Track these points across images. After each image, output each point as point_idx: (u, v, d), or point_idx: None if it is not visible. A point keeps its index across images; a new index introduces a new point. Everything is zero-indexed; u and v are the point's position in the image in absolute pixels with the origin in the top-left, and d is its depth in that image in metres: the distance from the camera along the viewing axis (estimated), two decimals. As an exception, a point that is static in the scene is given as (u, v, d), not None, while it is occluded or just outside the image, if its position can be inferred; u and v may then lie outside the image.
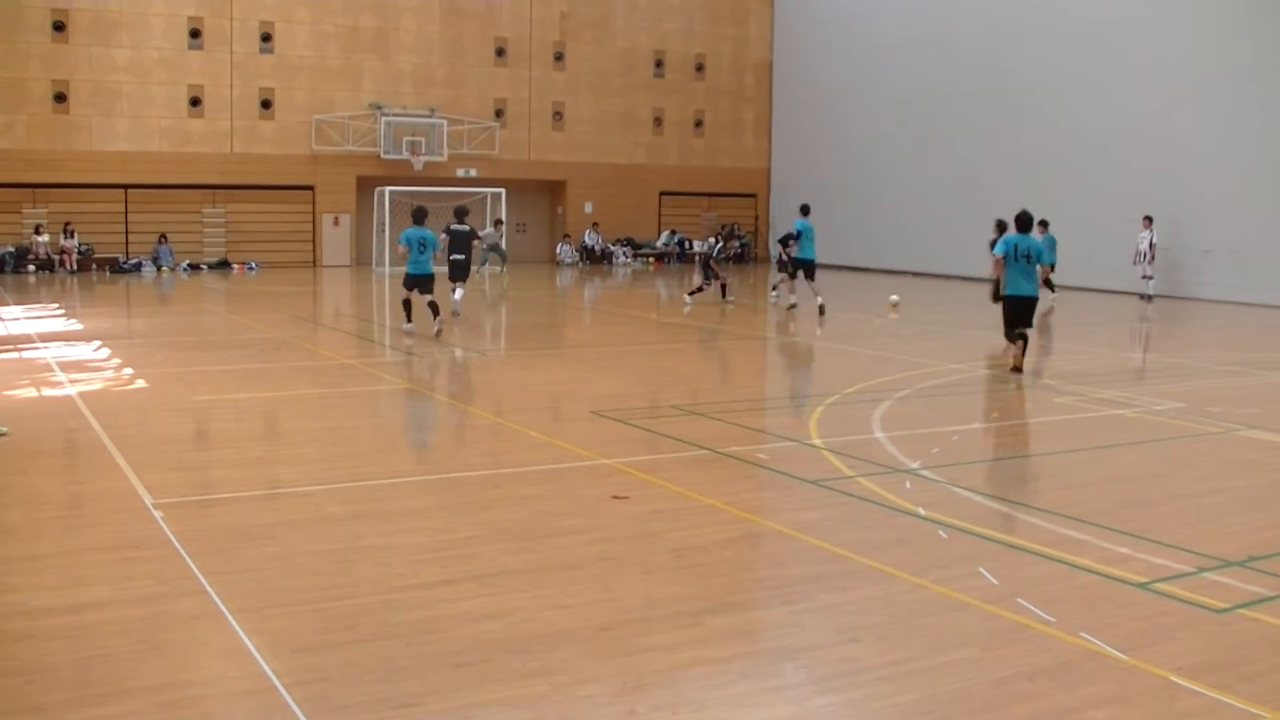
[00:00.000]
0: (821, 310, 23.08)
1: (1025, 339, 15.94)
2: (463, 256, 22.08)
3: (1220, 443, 11.56)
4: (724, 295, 25.55)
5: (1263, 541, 7.99)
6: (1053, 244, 26.07)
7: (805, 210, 25.01)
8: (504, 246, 35.61)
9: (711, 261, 25.32)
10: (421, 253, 19.25)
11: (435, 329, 18.90)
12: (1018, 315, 15.88)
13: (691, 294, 24.91)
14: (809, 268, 24.13)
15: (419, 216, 19.74)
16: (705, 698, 5.37)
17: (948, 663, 5.78)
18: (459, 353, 17.88)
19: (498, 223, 35.88)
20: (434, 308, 18.99)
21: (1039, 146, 32.36)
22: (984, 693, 5.44)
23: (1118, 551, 7.64)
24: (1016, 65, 33.06)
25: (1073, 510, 8.63)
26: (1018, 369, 15.67)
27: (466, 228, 22.57)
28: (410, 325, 19.66)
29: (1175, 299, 28.32)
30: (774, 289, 26.93)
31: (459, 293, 22.14)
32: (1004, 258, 15.85)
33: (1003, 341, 16.45)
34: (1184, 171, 28.58)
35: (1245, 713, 5.26)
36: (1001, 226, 21.44)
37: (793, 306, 24.36)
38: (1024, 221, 16.03)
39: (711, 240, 26.26)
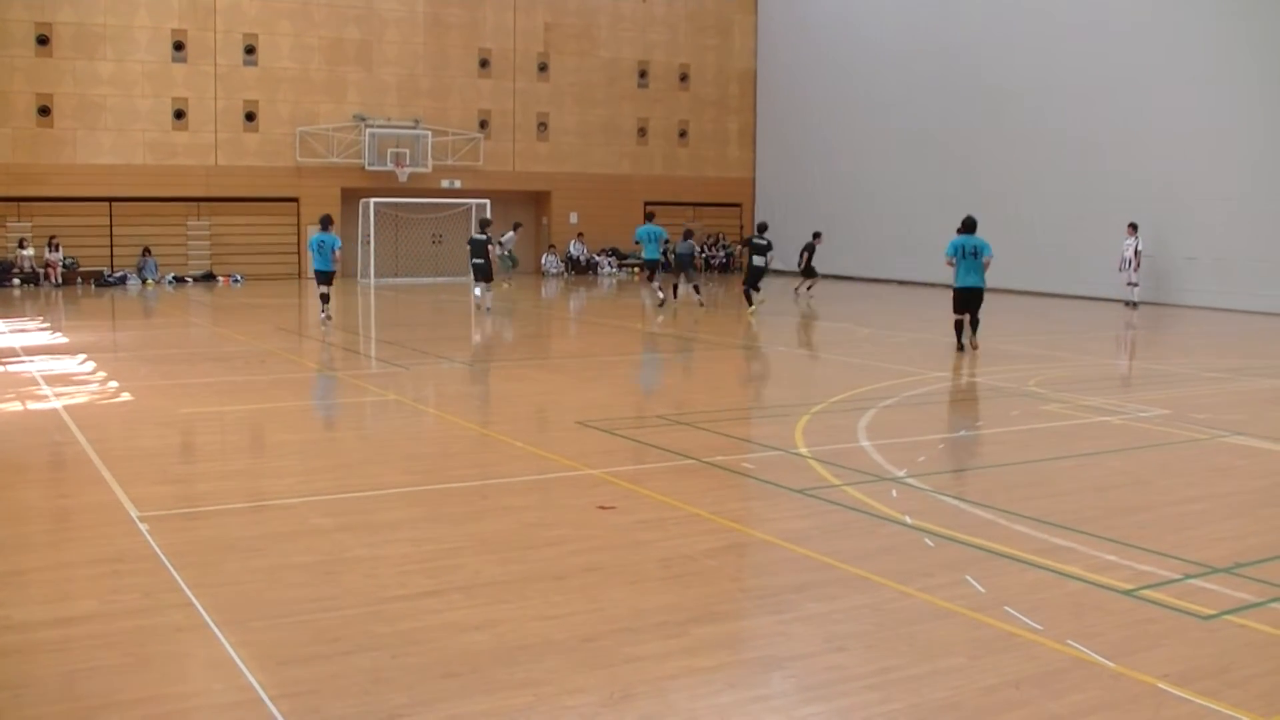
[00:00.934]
0: (662, 304, 27.51)
1: (976, 322, 18.91)
2: (482, 260, 25.83)
3: (1206, 449, 11.59)
4: (675, 294, 28.33)
5: (1249, 548, 8.01)
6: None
7: (649, 216, 29.81)
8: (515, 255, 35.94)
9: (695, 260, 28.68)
10: (321, 253, 23.04)
11: (322, 315, 23.29)
12: (964, 303, 18.84)
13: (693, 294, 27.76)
14: (653, 267, 28.37)
15: (324, 223, 23.66)
16: (692, 707, 5.36)
17: (935, 671, 5.79)
18: (445, 364, 17.88)
19: (516, 226, 36.01)
20: (324, 298, 23.38)
21: (1024, 154, 32.49)
22: (971, 701, 5.45)
23: (1104, 559, 7.66)
24: (1002, 73, 33.19)
25: (1059, 518, 8.65)
26: (962, 348, 18.88)
27: (484, 236, 26.22)
28: (325, 315, 23.37)
29: (1161, 306, 28.44)
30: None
31: (478, 290, 25.97)
32: (953, 258, 18.82)
33: (951, 337, 19.44)
34: (1169, 179, 28.70)
35: (1232, 719, 5.28)
36: (762, 227, 26.68)
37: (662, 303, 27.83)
38: (970, 224, 18.99)
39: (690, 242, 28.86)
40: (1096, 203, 30.21)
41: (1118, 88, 29.92)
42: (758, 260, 25.67)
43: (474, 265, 25.95)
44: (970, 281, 18.66)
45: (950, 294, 19.26)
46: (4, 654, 5.94)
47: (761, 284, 26.29)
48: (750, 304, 25.67)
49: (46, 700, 5.38)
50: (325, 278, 23.19)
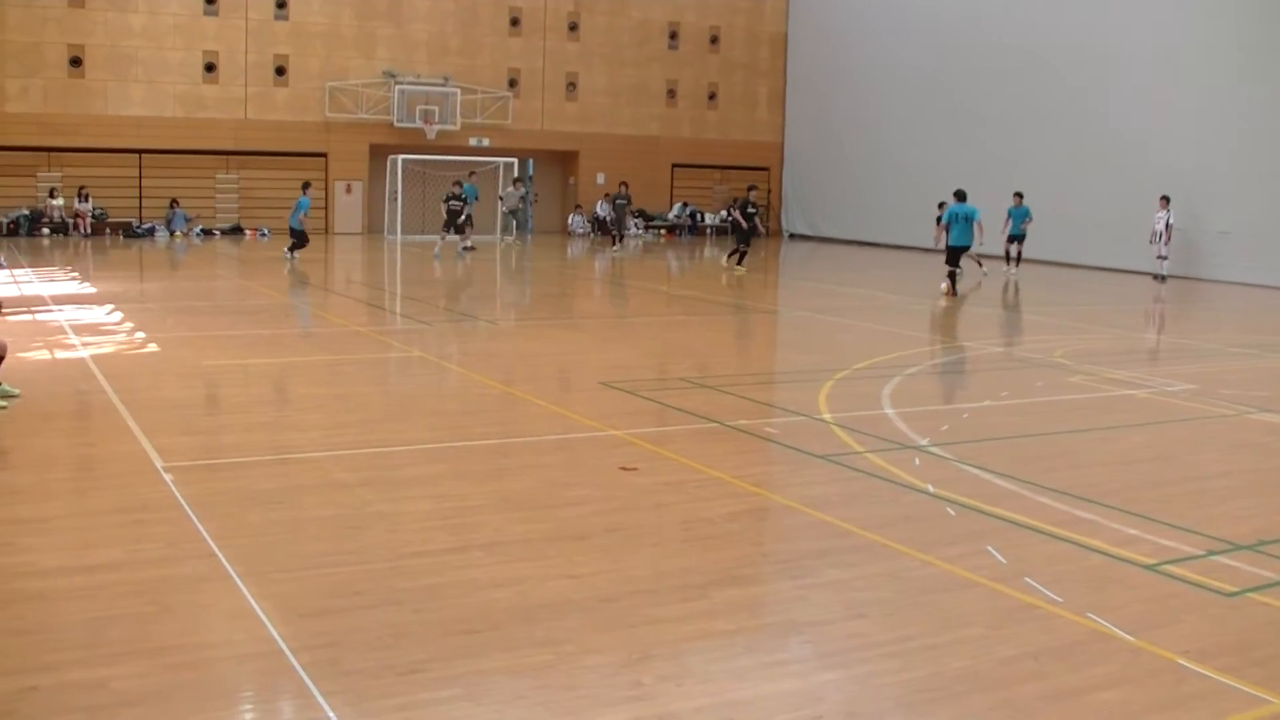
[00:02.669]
0: (464, 249, 30.68)
1: (955, 274, 23.07)
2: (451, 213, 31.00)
3: (1232, 425, 11.52)
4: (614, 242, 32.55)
5: (1273, 525, 7.96)
6: (1027, 214, 28.92)
7: (471, 174, 33.23)
8: (524, 211, 35.77)
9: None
10: (299, 211, 27.58)
11: (286, 254, 27.43)
12: (954, 257, 23.12)
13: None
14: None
15: (304, 187, 29.10)
16: (710, 670, 5.37)
17: (954, 640, 5.78)
18: (470, 322, 17.88)
19: (516, 181, 35.79)
20: (294, 249, 27.44)
21: (1056, 125, 32.17)
22: (990, 671, 5.44)
23: (1127, 533, 7.63)
24: (1035, 42, 32.82)
25: (1082, 490, 8.61)
26: (955, 293, 22.73)
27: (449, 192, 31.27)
28: (291, 256, 27.14)
29: (1190, 280, 28.20)
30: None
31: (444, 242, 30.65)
32: (949, 222, 23.12)
33: (945, 282, 23.05)
34: (1202, 152, 28.38)
35: (1252, 697, 5.26)
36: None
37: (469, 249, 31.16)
38: (962, 195, 23.17)
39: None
40: (1128, 175, 29.90)
41: (1152, 58, 29.56)
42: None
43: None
44: (963, 241, 22.94)
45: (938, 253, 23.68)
46: (29, 600, 5.99)
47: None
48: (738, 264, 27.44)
49: (70, 646, 5.42)
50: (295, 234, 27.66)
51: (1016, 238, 28.92)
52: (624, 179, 36.47)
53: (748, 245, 27.66)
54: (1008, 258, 29.03)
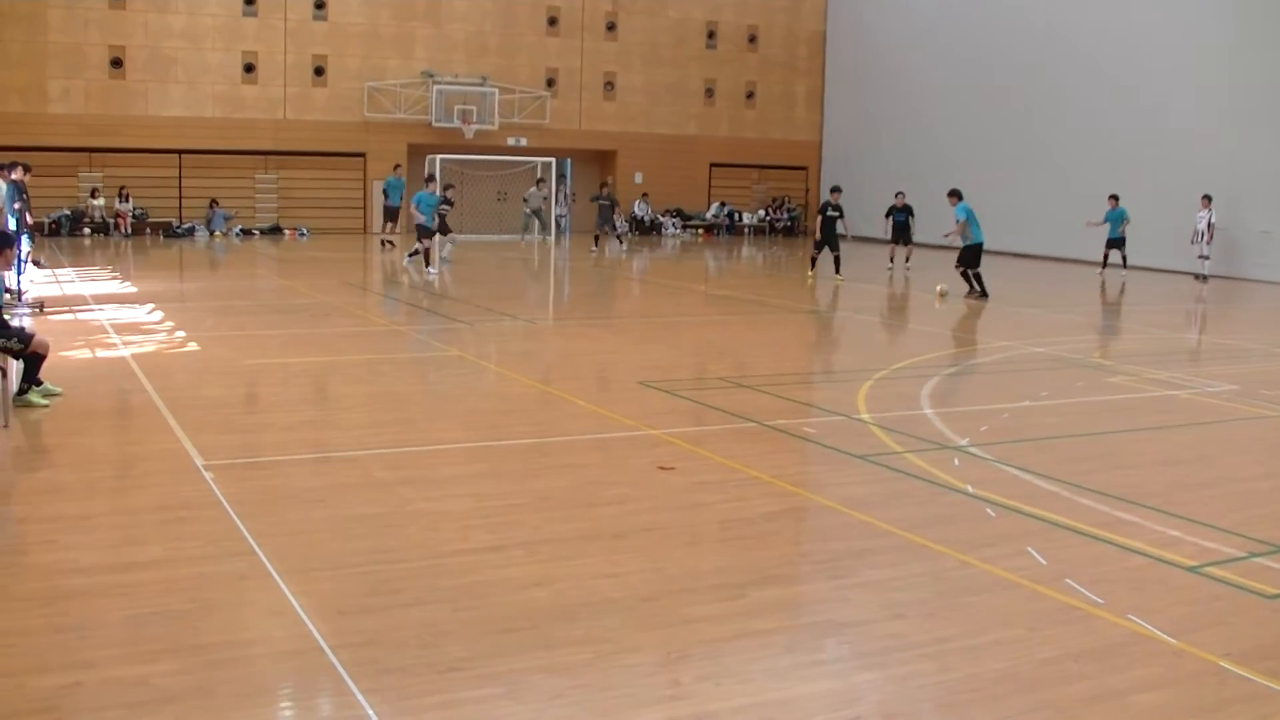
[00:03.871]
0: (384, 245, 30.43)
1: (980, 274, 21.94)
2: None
3: (1274, 426, 11.40)
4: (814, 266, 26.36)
5: (1317, 527, 7.88)
6: (1124, 216, 28.16)
7: (416, 178, 31.87)
8: (544, 213, 35.53)
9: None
10: (419, 205, 25.61)
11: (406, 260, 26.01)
12: (980, 257, 22.08)
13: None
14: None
15: (428, 181, 26.65)
16: (748, 670, 5.37)
17: (994, 641, 5.75)
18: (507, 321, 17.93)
19: (539, 181, 35.71)
20: (428, 252, 25.61)
21: (1097, 124, 31.93)
22: (1030, 672, 5.41)
23: (1168, 534, 7.57)
24: (1076, 40, 32.59)
25: (1123, 491, 8.54)
26: (987, 294, 21.70)
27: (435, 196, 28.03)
28: (432, 266, 25.47)
29: (1231, 280, 27.92)
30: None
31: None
32: (970, 220, 21.98)
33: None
34: (1244, 151, 28.11)
35: (1296, 699, 5.21)
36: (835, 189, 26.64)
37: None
38: (960, 193, 22.71)
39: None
40: (1169, 174, 29.65)
41: (1194, 56, 29.30)
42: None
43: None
44: (983, 238, 21.99)
45: (958, 254, 22.55)
46: (71, 596, 6.04)
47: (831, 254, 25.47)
48: (819, 269, 25.88)
49: (112, 643, 5.47)
50: (427, 232, 25.53)
51: (1116, 242, 28.16)
52: (604, 181, 36.47)
53: (819, 250, 25.76)
54: (1104, 262, 28.55)
